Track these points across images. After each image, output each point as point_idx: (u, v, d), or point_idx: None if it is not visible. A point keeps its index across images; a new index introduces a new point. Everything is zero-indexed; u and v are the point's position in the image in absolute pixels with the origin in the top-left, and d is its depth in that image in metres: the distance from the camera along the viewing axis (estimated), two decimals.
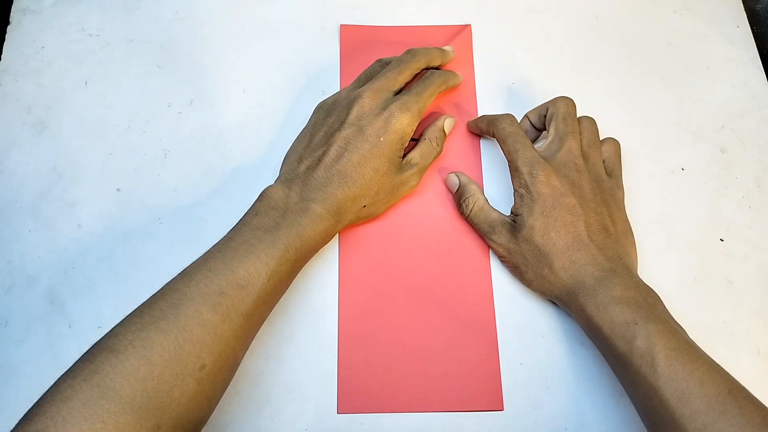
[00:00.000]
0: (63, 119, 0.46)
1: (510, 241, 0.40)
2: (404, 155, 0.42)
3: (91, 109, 0.46)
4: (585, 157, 0.41)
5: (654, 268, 0.43)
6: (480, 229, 0.42)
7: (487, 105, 0.47)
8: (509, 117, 0.42)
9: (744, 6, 0.52)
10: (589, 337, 0.38)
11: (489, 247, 0.43)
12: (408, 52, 0.44)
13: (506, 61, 0.49)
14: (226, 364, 0.33)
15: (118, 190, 0.44)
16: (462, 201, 0.43)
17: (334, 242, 0.43)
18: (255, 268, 0.34)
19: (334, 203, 0.38)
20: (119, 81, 0.47)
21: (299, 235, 0.36)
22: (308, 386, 0.39)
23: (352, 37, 0.49)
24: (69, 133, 0.45)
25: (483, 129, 0.45)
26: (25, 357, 0.39)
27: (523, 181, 0.40)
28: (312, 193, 0.37)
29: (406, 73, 0.42)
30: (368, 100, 0.40)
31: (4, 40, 0.48)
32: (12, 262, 0.42)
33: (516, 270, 0.41)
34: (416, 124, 0.41)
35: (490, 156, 0.46)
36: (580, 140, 0.42)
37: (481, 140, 0.47)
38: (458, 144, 0.46)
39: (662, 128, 0.47)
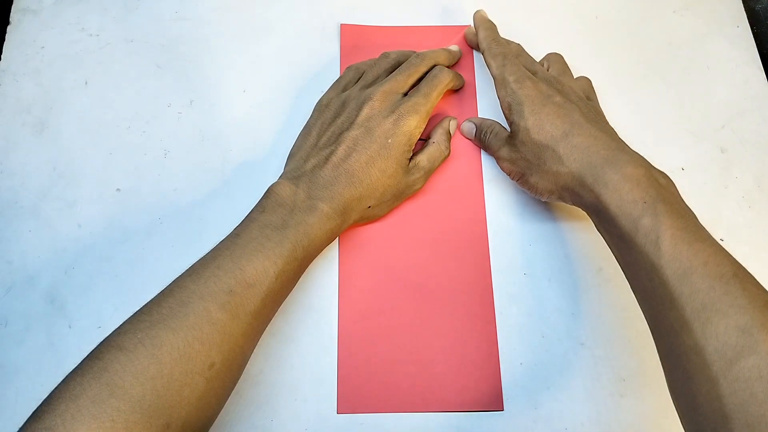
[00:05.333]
0: (63, 119, 0.46)
1: (511, 151, 0.41)
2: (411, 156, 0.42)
3: (91, 109, 0.46)
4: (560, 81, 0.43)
5: None
6: (491, 150, 0.44)
7: (487, 105, 0.47)
8: (501, 40, 0.44)
9: (744, 6, 0.52)
10: (596, 225, 0.37)
11: (501, 169, 0.43)
12: (417, 55, 0.44)
13: None
14: (234, 363, 0.33)
15: (118, 190, 0.44)
16: (483, 136, 0.44)
17: (334, 242, 0.43)
18: (263, 266, 0.33)
19: (341, 203, 0.38)
20: (119, 81, 0.47)
21: (307, 234, 0.36)
22: (308, 386, 0.39)
23: (352, 37, 0.49)
24: (69, 133, 0.45)
25: (473, 42, 0.48)
26: (25, 357, 0.39)
27: (510, 89, 0.40)
28: (319, 191, 0.37)
29: (415, 76, 0.43)
30: (378, 102, 0.40)
31: (4, 40, 0.48)
32: (12, 262, 0.42)
33: (522, 179, 0.41)
34: (424, 126, 0.42)
35: (490, 156, 0.46)
36: (550, 71, 0.44)
37: None
38: (458, 143, 0.46)
39: (662, 128, 0.47)
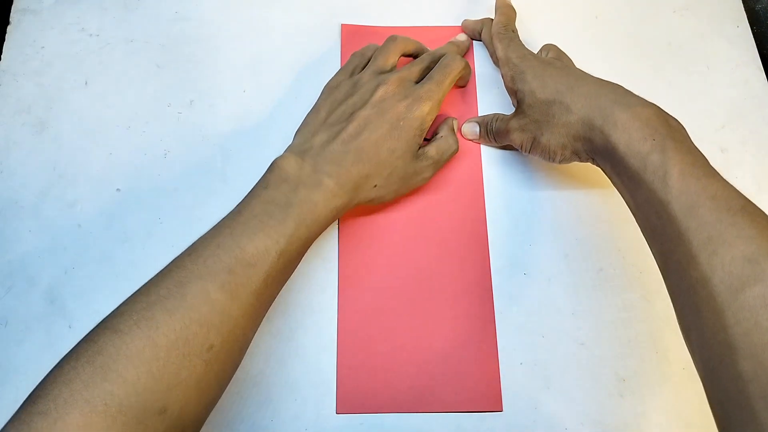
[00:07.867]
0: (63, 119, 0.46)
1: (519, 119, 0.41)
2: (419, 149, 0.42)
3: (91, 109, 0.46)
4: None
5: (654, 268, 0.42)
6: (501, 133, 0.43)
7: (488, 106, 0.47)
8: (512, 27, 0.45)
9: (744, 6, 0.52)
10: (609, 174, 0.37)
11: (512, 146, 0.43)
12: (429, 54, 0.45)
13: None
14: (235, 345, 0.32)
15: (118, 190, 0.44)
16: (489, 126, 0.45)
17: (334, 242, 0.43)
18: (264, 245, 0.33)
19: (349, 179, 0.37)
20: (119, 81, 0.47)
21: (311, 212, 0.35)
22: (308, 386, 0.39)
23: (352, 37, 0.49)
24: (69, 133, 0.45)
25: (475, 30, 0.49)
26: (25, 357, 0.39)
27: (512, 64, 0.41)
28: (326, 166, 0.37)
29: (428, 67, 0.44)
30: (392, 86, 0.41)
31: (4, 40, 0.48)
32: (12, 262, 0.42)
33: (534, 143, 0.40)
34: (436, 114, 0.41)
35: (491, 154, 0.46)
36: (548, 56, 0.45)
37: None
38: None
39: None
